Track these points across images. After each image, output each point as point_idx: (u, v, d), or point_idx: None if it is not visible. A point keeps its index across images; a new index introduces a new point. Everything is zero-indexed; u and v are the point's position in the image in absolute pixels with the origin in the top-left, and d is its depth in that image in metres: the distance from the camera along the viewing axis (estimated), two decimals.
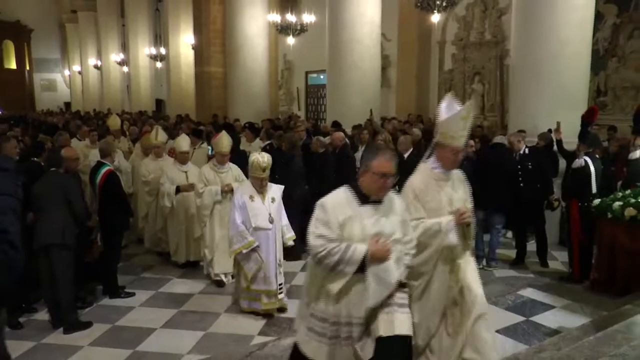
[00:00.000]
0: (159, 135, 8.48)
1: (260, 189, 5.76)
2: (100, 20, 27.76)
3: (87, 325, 5.58)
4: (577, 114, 7.59)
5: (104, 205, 6.26)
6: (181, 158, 7.53)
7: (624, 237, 5.97)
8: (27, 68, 34.84)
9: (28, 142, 9.83)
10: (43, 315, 5.82)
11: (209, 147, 9.10)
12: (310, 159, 8.30)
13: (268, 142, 9.54)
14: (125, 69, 27.01)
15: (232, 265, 6.30)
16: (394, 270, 3.31)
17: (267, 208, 5.74)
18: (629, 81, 11.77)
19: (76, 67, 33.16)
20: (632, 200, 5.97)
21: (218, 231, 6.73)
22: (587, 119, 7.13)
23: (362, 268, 3.21)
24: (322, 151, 8.30)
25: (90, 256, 6.15)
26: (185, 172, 7.48)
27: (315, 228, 3.30)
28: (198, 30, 19.14)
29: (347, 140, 9.10)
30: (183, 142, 7.67)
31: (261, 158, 5.67)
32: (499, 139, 7.80)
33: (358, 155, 9.03)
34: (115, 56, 27.33)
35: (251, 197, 5.72)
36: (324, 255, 3.23)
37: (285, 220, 6.02)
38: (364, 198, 3.32)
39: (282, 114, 20.26)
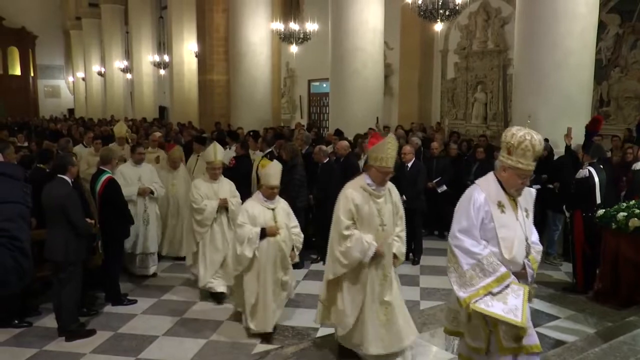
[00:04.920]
0: (217, 153, 6.55)
1: (518, 191, 3.49)
2: (104, 27, 27.83)
3: (91, 333, 5.57)
4: (581, 124, 7.60)
5: (104, 212, 6.25)
6: (268, 193, 5.48)
7: (628, 247, 5.95)
8: (32, 74, 34.91)
9: (34, 148, 9.85)
10: (45, 322, 5.81)
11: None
12: (313, 169, 8.26)
13: (268, 150, 9.54)
14: (128, 76, 27.06)
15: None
16: None
17: (522, 226, 3.46)
18: (632, 91, 11.75)
19: (80, 74, 33.22)
20: (637, 211, 5.96)
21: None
22: (591, 129, 7.14)
23: None
24: (326, 161, 8.22)
25: (92, 264, 6.14)
26: (273, 209, 5.49)
27: None
28: (201, 38, 19.21)
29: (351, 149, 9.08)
30: (274, 172, 5.51)
31: (536, 135, 3.51)
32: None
33: (361, 163, 9.03)
34: (119, 63, 27.38)
35: (500, 206, 3.44)
36: None
37: (535, 236, 3.65)
38: None
39: (284, 122, 20.28)
